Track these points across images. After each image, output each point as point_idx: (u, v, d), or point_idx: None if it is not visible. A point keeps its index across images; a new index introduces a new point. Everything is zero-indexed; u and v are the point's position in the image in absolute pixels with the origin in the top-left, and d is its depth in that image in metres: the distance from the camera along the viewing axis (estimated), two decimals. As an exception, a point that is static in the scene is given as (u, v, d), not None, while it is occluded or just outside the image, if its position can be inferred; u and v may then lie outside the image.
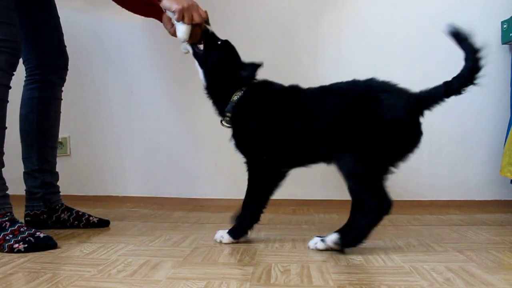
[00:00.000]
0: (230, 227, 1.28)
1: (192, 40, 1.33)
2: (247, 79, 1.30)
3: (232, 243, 1.26)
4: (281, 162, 1.26)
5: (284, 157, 1.25)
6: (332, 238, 1.13)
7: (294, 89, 1.26)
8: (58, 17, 1.52)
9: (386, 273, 0.96)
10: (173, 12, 1.27)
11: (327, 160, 1.20)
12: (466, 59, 1.12)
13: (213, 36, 1.33)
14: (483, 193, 1.93)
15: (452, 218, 1.66)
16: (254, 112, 1.26)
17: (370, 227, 1.11)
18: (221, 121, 1.32)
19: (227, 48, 1.31)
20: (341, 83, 1.20)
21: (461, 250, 1.15)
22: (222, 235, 1.27)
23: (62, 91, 1.55)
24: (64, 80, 1.55)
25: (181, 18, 1.27)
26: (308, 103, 1.20)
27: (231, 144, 1.31)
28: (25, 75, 1.48)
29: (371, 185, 1.10)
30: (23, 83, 1.49)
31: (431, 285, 0.88)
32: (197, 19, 1.28)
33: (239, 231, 1.27)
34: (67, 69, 1.55)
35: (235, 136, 1.29)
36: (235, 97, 1.27)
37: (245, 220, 1.27)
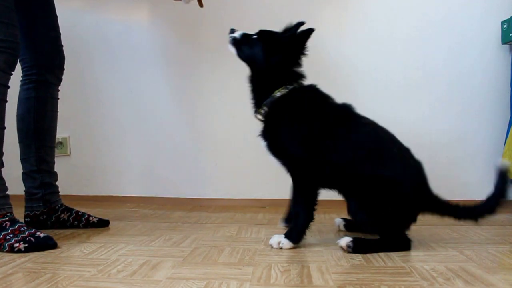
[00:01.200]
0: (285, 231, 1.23)
1: None
2: (295, 78, 1.26)
3: (293, 248, 1.20)
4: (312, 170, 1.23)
5: (312, 168, 1.22)
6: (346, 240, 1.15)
7: (347, 111, 1.25)
8: (56, 16, 1.51)
9: (386, 273, 0.96)
10: None
11: (341, 192, 1.25)
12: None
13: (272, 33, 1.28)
14: (483, 193, 1.92)
15: (452, 218, 1.65)
16: (295, 115, 1.22)
17: (382, 250, 1.15)
18: (255, 112, 1.29)
19: (293, 43, 1.25)
20: (393, 139, 1.22)
21: (461, 250, 1.15)
22: (280, 240, 1.20)
23: (58, 90, 1.54)
24: (60, 79, 1.54)
25: None
26: (354, 132, 1.21)
27: (261, 142, 1.26)
28: (21, 74, 1.47)
29: (389, 234, 1.17)
30: (19, 83, 1.48)
31: (431, 285, 0.88)
32: None
33: (297, 233, 1.21)
34: (63, 69, 1.54)
35: (267, 134, 1.25)
36: (277, 93, 1.24)
37: (299, 221, 1.21)
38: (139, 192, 2.14)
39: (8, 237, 1.18)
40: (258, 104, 1.28)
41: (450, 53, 1.93)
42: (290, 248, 1.19)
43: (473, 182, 1.93)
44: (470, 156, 1.93)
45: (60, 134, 2.12)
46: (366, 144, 1.20)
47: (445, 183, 1.95)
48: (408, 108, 1.94)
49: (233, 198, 2.05)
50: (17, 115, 1.48)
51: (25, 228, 1.22)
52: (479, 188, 1.92)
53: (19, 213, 1.40)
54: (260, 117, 1.27)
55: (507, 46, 1.88)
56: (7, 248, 1.16)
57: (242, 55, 1.32)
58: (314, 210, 1.23)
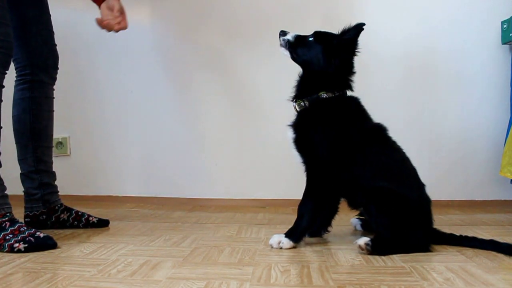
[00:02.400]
0: (286, 231, 1.23)
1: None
2: (344, 86, 1.26)
3: (293, 247, 1.20)
4: (331, 175, 1.23)
5: (330, 173, 1.22)
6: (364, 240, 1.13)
7: (382, 132, 1.26)
8: (49, 15, 1.49)
9: (386, 273, 0.96)
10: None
11: (352, 199, 1.26)
12: None
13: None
14: (483, 193, 1.93)
15: (452, 218, 1.65)
16: (334, 120, 1.22)
17: (401, 252, 1.14)
18: (293, 102, 1.28)
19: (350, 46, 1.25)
20: (415, 172, 1.24)
21: (461, 250, 1.15)
22: (281, 239, 1.20)
23: (53, 89, 1.53)
24: (55, 79, 1.52)
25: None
26: (385, 154, 1.23)
27: (288, 133, 1.26)
28: (15, 74, 1.46)
29: (404, 236, 1.16)
30: (13, 83, 1.47)
31: (431, 285, 0.88)
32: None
33: (298, 233, 1.22)
34: (57, 68, 1.52)
35: (299, 127, 1.25)
36: (323, 94, 1.23)
37: (302, 222, 1.21)
38: (139, 192, 2.14)
39: (8, 237, 1.18)
40: (299, 96, 1.27)
41: (450, 53, 1.93)
42: (290, 248, 1.19)
43: (473, 182, 1.93)
44: (470, 156, 1.93)
45: (60, 134, 2.13)
46: (392, 167, 1.22)
47: (445, 183, 1.96)
48: (407, 108, 1.94)
49: (233, 198, 2.05)
50: (13, 116, 1.47)
51: (25, 228, 1.22)
52: (479, 188, 1.94)
53: (19, 213, 1.40)
54: (297, 108, 1.27)
55: (507, 46, 1.88)
56: (7, 248, 1.16)
57: (297, 58, 1.29)
58: (318, 215, 1.24)
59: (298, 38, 1.29)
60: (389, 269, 0.99)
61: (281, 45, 1.31)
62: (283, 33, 1.31)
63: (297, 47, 1.28)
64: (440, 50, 1.93)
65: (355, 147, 1.20)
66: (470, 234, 1.35)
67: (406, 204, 1.15)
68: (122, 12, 1.42)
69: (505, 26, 1.83)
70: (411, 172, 1.24)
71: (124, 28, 1.43)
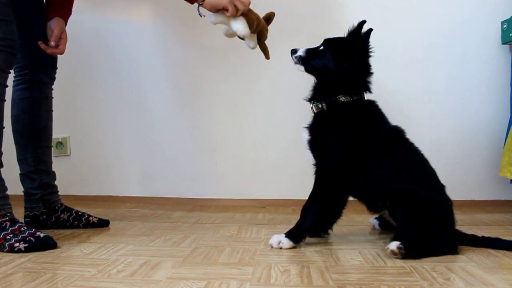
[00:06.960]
0: (287, 231, 1.24)
1: (253, 30, 1.36)
2: (362, 88, 1.27)
3: (293, 247, 1.20)
4: (345, 178, 1.23)
5: (347, 178, 1.22)
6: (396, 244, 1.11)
7: (400, 135, 1.27)
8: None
9: (386, 273, 0.96)
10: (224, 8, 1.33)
11: (373, 207, 1.27)
12: None
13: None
14: (483, 193, 1.93)
15: (452, 218, 1.65)
16: (352, 126, 1.23)
17: (433, 254, 1.12)
18: (311, 103, 1.28)
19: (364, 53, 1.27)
20: (434, 173, 1.24)
21: (461, 250, 1.15)
22: (281, 240, 1.21)
23: (52, 89, 1.53)
24: (53, 78, 1.52)
25: (235, 12, 1.33)
26: (404, 154, 1.23)
27: (303, 134, 1.26)
28: (14, 74, 1.45)
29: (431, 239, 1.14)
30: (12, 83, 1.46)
31: (431, 285, 0.88)
32: (241, 6, 1.33)
33: (298, 235, 1.22)
34: (56, 68, 1.52)
35: (315, 129, 1.25)
36: (342, 98, 1.23)
37: (304, 224, 1.22)
38: (139, 192, 2.14)
39: (8, 237, 1.18)
40: (317, 98, 1.27)
41: (450, 53, 1.93)
42: (290, 248, 1.19)
43: (473, 182, 1.93)
44: (470, 156, 1.93)
45: (60, 134, 2.13)
46: (413, 169, 1.22)
47: (444, 183, 1.95)
48: (407, 107, 1.94)
49: (233, 198, 2.05)
50: (12, 116, 1.46)
51: (25, 228, 1.22)
52: (479, 188, 1.93)
53: (19, 213, 1.40)
54: (314, 110, 1.27)
55: (507, 46, 1.88)
56: (7, 248, 1.16)
57: (312, 70, 1.30)
58: (322, 218, 1.25)
59: (309, 51, 1.31)
60: (389, 269, 0.99)
61: (294, 62, 1.32)
62: (294, 51, 1.32)
63: (310, 59, 1.29)
64: (440, 50, 1.92)
65: (373, 150, 1.20)
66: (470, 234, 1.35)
67: (431, 206, 1.14)
68: (62, 37, 1.43)
69: (505, 26, 1.83)
70: (431, 173, 1.24)
71: (58, 53, 1.45)
